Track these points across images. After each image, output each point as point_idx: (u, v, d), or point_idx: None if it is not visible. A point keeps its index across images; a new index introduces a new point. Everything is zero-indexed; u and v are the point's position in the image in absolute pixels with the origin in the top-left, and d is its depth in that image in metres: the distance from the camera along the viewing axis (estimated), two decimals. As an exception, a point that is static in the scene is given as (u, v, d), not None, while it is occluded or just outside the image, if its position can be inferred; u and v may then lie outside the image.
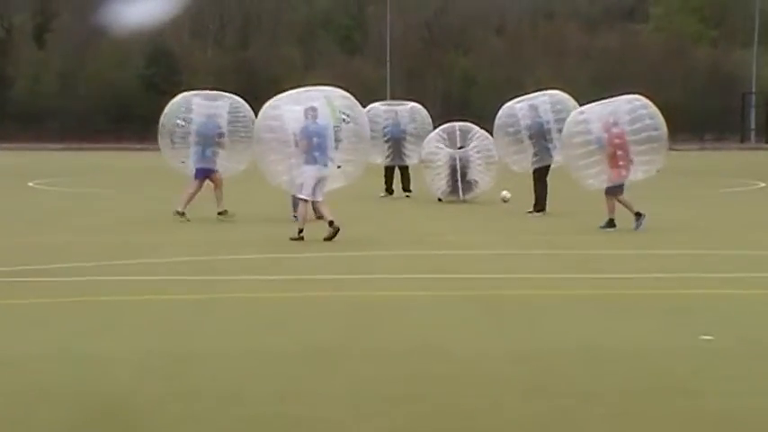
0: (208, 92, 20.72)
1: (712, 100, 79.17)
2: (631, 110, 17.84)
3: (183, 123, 19.29)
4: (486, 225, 18.81)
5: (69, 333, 9.19)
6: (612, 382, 7.45)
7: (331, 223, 15.45)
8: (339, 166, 16.10)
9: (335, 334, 9.07)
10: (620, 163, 17.31)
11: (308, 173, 15.67)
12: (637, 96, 18.30)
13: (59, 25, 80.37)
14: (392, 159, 25.21)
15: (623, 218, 16.99)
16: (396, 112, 26.11)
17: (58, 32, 79.92)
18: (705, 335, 8.85)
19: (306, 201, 15.74)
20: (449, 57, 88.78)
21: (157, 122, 20.16)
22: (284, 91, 18.12)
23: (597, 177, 17.66)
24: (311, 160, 15.64)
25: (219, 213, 18.73)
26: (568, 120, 18.64)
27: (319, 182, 15.75)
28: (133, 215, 20.53)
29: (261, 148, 16.74)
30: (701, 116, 76.70)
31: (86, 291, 11.45)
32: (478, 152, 23.04)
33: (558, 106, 21.05)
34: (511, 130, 21.39)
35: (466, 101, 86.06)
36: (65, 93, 74.94)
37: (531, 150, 20.79)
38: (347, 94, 16.84)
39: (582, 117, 18.21)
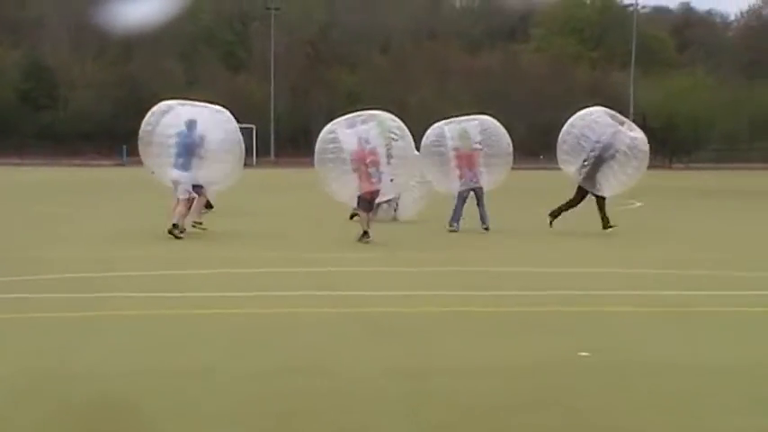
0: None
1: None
2: (387, 129, 19.08)
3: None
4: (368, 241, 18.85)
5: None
6: (492, 398, 7.53)
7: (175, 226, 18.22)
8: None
9: (219, 352, 8.99)
10: (371, 179, 18.54)
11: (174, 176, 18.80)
12: (393, 118, 19.45)
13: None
14: None
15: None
16: None
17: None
18: (582, 351, 9.01)
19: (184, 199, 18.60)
20: (334, 74, 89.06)
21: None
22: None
23: (346, 191, 18.86)
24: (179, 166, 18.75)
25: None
26: (321, 135, 19.50)
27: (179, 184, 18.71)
28: (17, 230, 20.13)
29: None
30: (580, 136, 78.09)
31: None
32: None
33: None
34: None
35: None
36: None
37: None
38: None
39: (334, 130, 19.24)
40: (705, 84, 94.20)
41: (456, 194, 21.11)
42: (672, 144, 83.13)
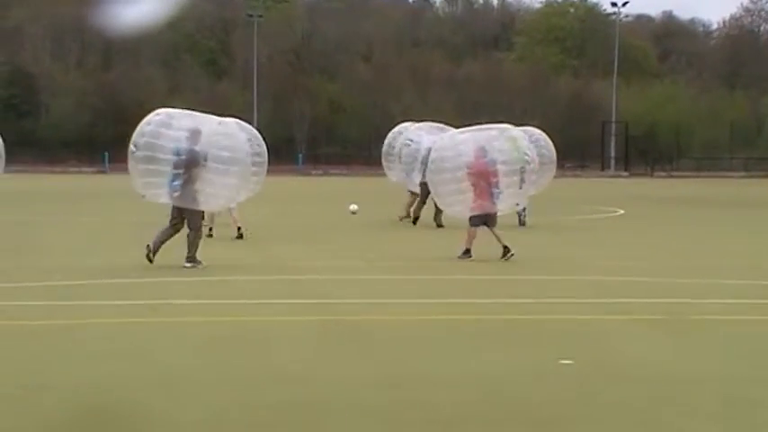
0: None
1: (573, 128, 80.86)
2: (517, 139, 17.58)
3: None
4: (347, 249, 18.81)
5: None
6: (470, 408, 7.48)
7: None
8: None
9: (195, 361, 8.92)
10: (491, 199, 16.97)
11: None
12: (524, 128, 18.33)
13: None
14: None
15: (489, 247, 17.13)
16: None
17: None
18: (564, 359, 8.97)
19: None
20: (315, 82, 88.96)
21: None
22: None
23: (462, 204, 17.43)
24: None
25: None
26: (442, 143, 18.50)
27: None
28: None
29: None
30: (562, 144, 78.07)
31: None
32: None
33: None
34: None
35: (332, 126, 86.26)
36: None
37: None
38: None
39: (458, 140, 17.93)
40: (686, 93, 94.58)
41: None
42: (653, 153, 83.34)
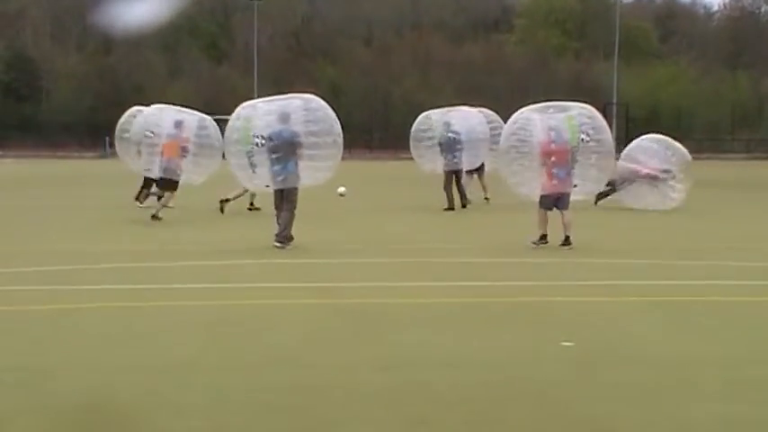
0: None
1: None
2: (573, 117, 17.02)
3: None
4: (349, 232, 18.79)
5: None
6: (474, 390, 7.47)
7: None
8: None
9: (197, 345, 8.91)
10: (553, 171, 16.52)
11: None
12: (583, 105, 17.55)
13: None
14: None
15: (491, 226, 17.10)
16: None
17: None
18: (566, 341, 8.97)
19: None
20: (316, 66, 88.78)
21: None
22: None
23: (529, 185, 17.01)
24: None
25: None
26: (509, 121, 17.95)
27: None
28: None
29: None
30: (563, 127, 77.95)
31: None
32: None
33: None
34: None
35: (333, 110, 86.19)
36: None
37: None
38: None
39: (522, 118, 17.41)
40: (688, 74, 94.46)
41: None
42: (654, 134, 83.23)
